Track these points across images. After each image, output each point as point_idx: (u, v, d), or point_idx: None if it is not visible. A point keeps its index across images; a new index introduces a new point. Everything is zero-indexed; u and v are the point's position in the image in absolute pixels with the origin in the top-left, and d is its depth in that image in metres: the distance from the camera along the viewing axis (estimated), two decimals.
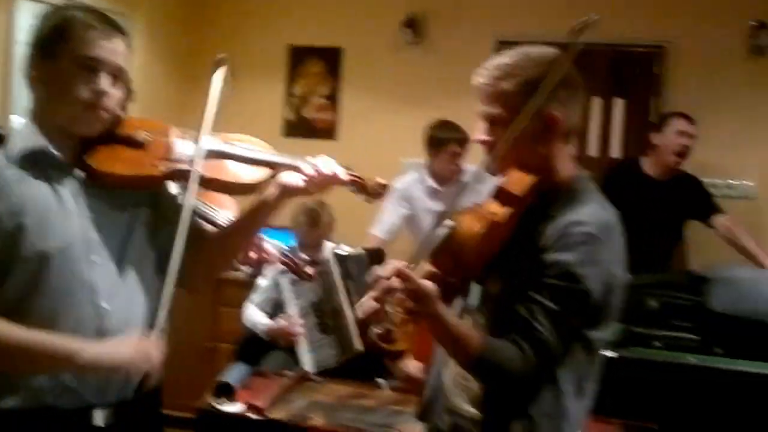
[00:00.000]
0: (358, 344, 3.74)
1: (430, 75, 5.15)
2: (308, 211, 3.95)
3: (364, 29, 5.34)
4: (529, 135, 1.77)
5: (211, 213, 2.69)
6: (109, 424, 1.84)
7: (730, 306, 3.75)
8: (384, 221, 4.52)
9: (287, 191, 1.92)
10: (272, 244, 2.86)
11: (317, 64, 5.48)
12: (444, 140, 4.46)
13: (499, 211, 1.76)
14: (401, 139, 5.15)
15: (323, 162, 1.94)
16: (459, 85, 4.95)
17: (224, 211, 2.77)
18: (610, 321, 1.83)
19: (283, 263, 2.95)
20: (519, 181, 1.78)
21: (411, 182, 4.60)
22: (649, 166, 4.49)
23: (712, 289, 3.82)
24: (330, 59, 5.45)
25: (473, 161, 4.64)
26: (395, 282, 1.61)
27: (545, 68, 1.76)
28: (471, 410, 1.85)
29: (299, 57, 5.49)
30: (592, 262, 1.72)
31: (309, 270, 3.09)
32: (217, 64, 1.96)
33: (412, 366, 3.36)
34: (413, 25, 5.21)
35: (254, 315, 3.98)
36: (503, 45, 4.97)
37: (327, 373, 3.51)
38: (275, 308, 3.96)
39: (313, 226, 3.95)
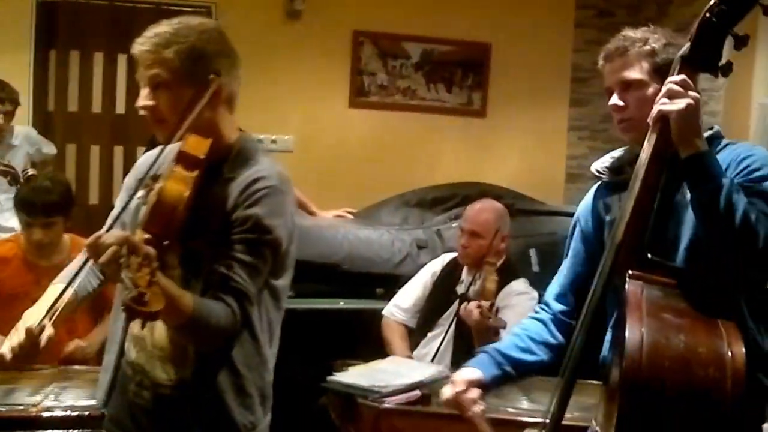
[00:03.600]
0: None
1: None
2: None
3: None
4: (196, 101, 1.92)
5: None
6: None
7: (297, 252, 4.39)
8: None
9: None
10: None
11: None
12: None
13: (189, 174, 1.90)
14: None
15: None
16: None
17: None
18: (290, 270, 2.09)
19: None
20: (198, 143, 1.93)
21: None
22: None
23: None
24: None
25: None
26: (125, 250, 1.70)
27: (206, 36, 1.96)
28: (174, 377, 1.99)
29: None
30: (279, 213, 1.94)
31: None
32: None
33: None
34: None
35: None
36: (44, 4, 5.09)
37: None
38: None
39: None
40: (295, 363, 3.94)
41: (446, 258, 4.08)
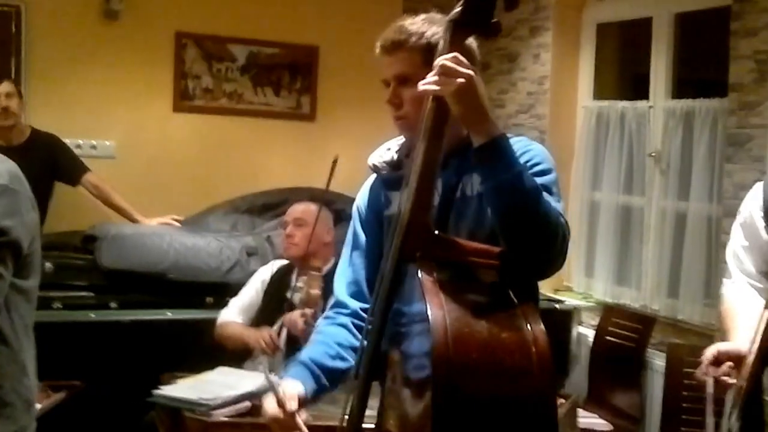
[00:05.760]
0: None
1: None
2: None
3: None
4: None
5: None
6: None
7: (119, 261, 4.27)
8: None
9: None
10: None
11: None
12: None
13: None
14: None
15: None
16: None
17: None
18: (38, 269, 2.04)
19: None
20: None
21: None
22: None
23: (101, 246, 4.29)
24: None
25: None
26: None
27: None
28: None
29: None
30: (14, 213, 1.88)
31: None
32: None
33: None
34: None
35: None
36: None
37: None
38: None
39: None
40: (121, 377, 3.84)
41: (276, 264, 4.04)
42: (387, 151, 2.08)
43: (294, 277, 3.85)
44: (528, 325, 1.61)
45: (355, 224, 2.13)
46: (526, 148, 1.87)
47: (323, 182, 5.20)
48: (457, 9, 1.71)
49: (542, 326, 1.62)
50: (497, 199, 1.70)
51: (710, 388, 2.31)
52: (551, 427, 1.61)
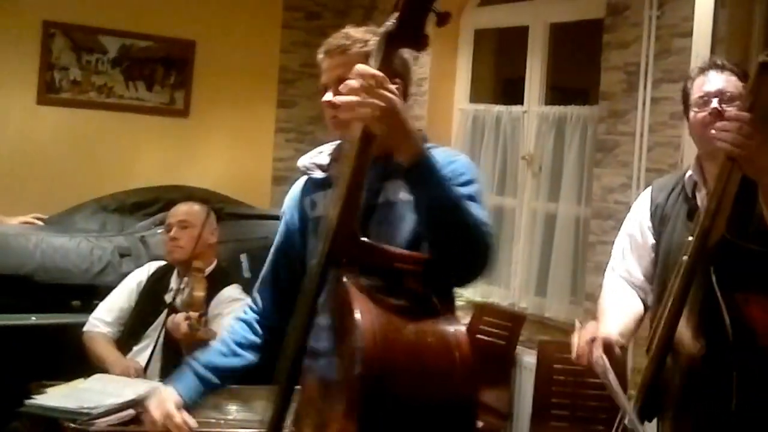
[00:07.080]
0: None
1: None
2: None
3: None
4: None
5: None
6: None
7: None
8: None
9: None
10: None
11: None
12: None
13: None
14: None
15: None
16: None
17: None
18: None
19: None
20: None
21: None
22: None
23: None
24: None
25: None
26: None
27: None
28: None
29: None
30: None
31: None
32: None
33: None
34: None
35: None
36: None
37: None
38: None
39: None
40: None
41: (153, 266, 3.94)
42: (319, 154, 2.16)
43: (173, 278, 3.78)
44: (452, 329, 1.69)
45: (281, 225, 2.24)
46: (450, 159, 1.95)
47: (196, 181, 5.20)
48: (392, 22, 1.77)
49: (464, 329, 1.70)
50: (427, 214, 1.78)
51: (601, 363, 2.31)
52: (470, 427, 1.68)
